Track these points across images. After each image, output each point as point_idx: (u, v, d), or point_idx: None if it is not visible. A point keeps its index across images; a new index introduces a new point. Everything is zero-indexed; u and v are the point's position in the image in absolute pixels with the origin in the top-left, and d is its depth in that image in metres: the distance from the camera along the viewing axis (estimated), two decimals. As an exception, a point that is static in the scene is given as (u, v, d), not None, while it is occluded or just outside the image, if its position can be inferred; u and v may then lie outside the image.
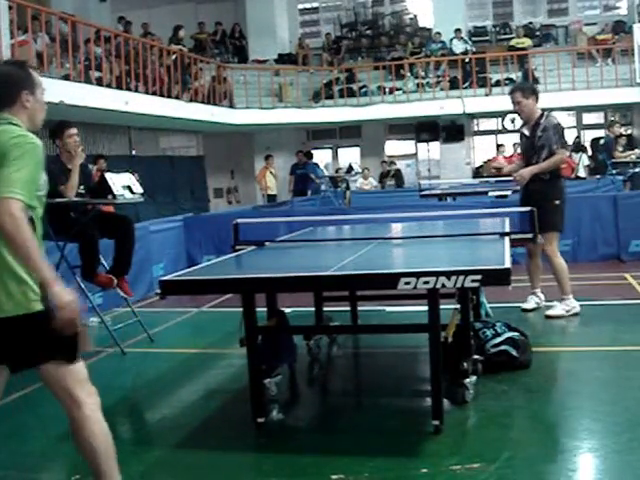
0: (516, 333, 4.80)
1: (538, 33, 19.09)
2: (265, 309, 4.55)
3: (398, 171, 18.03)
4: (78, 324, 2.57)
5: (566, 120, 19.25)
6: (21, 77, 2.78)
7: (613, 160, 12.64)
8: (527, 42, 18.01)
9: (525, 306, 6.35)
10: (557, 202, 5.92)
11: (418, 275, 3.30)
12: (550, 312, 6.16)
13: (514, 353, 4.67)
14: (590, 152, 15.91)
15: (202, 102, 15.53)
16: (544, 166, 5.99)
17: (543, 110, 6.12)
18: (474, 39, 19.12)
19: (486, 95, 16.95)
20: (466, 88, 17.07)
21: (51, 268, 2.51)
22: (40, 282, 2.53)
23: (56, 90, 10.52)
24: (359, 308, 5.88)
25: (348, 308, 5.81)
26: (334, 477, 3.25)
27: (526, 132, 6.14)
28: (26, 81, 2.78)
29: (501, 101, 16.70)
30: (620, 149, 13.06)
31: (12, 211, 2.42)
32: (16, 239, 2.43)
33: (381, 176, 17.99)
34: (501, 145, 17.10)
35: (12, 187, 2.45)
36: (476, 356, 4.50)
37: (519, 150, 6.95)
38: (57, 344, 2.57)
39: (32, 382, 4.99)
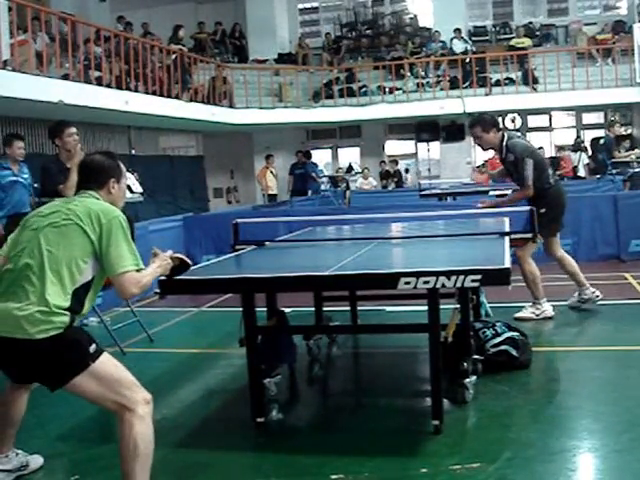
0: (516, 333, 4.79)
1: (538, 33, 19.09)
2: (265, 309, 4.55)
3: (399, 172, 18.05)
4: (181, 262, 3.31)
5: (566, 120, 19.28)
6: (112, 167, 3.24)
7: (613, 160, 12.63)
8: (527, 42, 18.01)
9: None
10: (542, 211, 5.84)
11: (418, 275, 3.30)
12: (519, 314, 6.08)
13: (514, 353, 4.67)
14: (590, 152, 15.90)
15: (202, 102, 15.53)
16: (506, 201, 6.35)
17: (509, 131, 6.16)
18: (474, 39, 19.11)
19: (486, 95, 16.95)
20: (466, 88, 17.06)
21: (150, 271, 3.07)
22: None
23: (55, 90, 10.53)
24: (359, 308, 5.88)
25: (348, 308, 5.81)
26: (334, 477, 3.25)
27: (511, 158, 6.07)
28: (115, 171, 3.24)
29: (501, 101, 16.78)
30: (623, 151, 13.06)
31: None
32: (140, 292, 3.02)
33: (381, 176, 17.99)
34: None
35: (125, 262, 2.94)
36: (476, 356, 4.50)
37: None
38: (67, 363, 2.85)
39: (32, 382, 4.99)
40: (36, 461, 3.49)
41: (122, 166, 3.31)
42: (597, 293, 6.33)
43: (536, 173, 5.98)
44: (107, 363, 2.92)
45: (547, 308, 6.11)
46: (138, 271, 2.95)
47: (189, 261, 3.43)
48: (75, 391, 2.90)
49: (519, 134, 6.75)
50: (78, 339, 2.88)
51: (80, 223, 2.93)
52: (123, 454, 2.85)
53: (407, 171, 18.92)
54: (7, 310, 2.82)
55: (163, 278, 3.75)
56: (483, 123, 6.06)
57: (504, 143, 6.04)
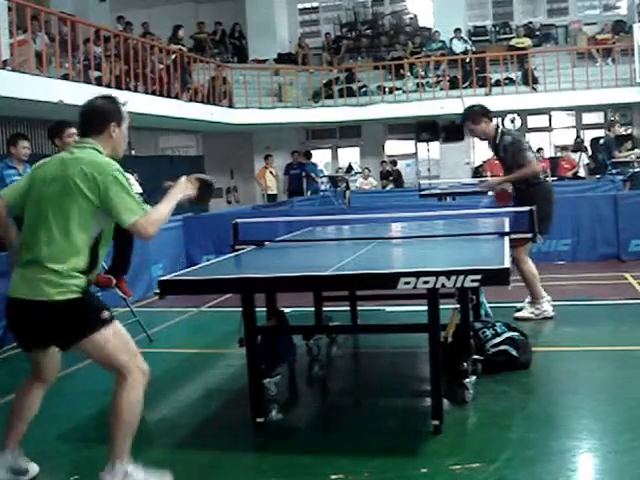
0: (516, 333, 4.79)
1: (538, 33, 19.08)
2: (265, 309, 4.54)
3: (398, 172, 18.05)
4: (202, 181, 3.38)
5: (566, 120, 19.28)
6: (111, 110, 3.27)
7: (613, 160, 12.64)
8: (527, 42, 18.00)
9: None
10: (533, 208, 5.82)
11: (418, 275, 3.30)
12: (519, 314, 6.09)
13: (514, 353, 4.67)
14: (590, 152, 15.90)
15: (201, 102, 15.52)
16: (512, 178, 6.07)
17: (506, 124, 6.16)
18: (474, 39, 19.10)
19: (486, 95, 16.92)
20: (466, 88, 17.06)
21: (164, 203, 3.24)
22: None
23: (55, 90, 10.53)
24: (359, 308, 5.88)
25: (348, 308, 5.81)
26: (334, 477, 3.25)
27: (490, 150, 6.22)
28: (115, 114, 3.27)
29: (501, 101, 16.74)
30: (624, 151, 13.05)
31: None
32: (159, 227, 3.13)
33: (382, 176, 18.00)
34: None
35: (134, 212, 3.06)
36: (476, 356, 4.50)
37: None
38: (81, 324, 3.03)
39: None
40: (33, 469, 3.44)
41: (123, 109, 3.34)
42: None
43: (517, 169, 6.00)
44: (116, 330, 3.13)
45: (547, 308, 6.10)
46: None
47: (209, 178, 3.48)
48: (82, 349, 3.10)
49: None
50: (93, 304, 3.08)
51: (80, 187, 3.02)
52: (110, 417, 3.05)
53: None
54: (25, 274, 3.04)
55: (164, 278, 3.76)
56: (472, 116, 6.09)
57: (498, 139, 6.06)
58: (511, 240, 4.72)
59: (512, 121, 18.68)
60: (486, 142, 6.32)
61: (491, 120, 6.13)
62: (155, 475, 3.20)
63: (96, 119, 3.24)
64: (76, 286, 3.00)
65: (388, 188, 17.33)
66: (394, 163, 18.39)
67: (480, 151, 18.50)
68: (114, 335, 3.11)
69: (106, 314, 3.10)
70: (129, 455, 3.07)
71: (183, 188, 3.31)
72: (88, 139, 3.21)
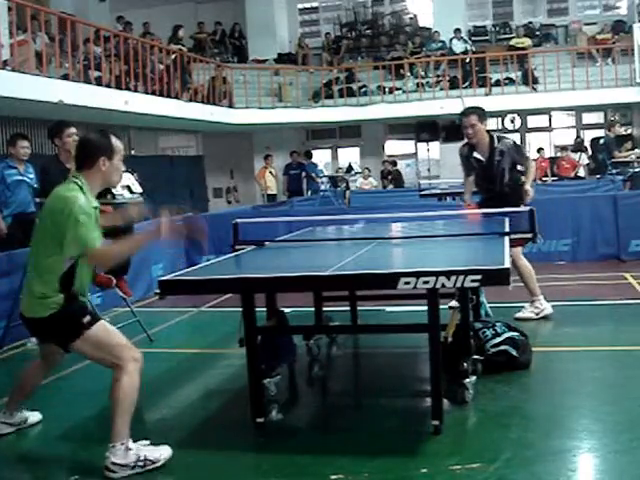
0: (516, 333, 4.79)
1: (538, 33, 19.08)
2: (265, 309, 4.54)
3: (398, 172, 18.06)
4: (184, 228, 3.62)
5: (566, 120, 19.28)
6: (102, 145, 3.53)
7: (613, 160, 12.64)
8: (527, 42, 18.00)
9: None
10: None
11: (418, 275, 3.30)
12: (519, 314, 6.07)
13: (514, 353, 4.67)
14: (590, 152, 15.90)
15: (201, 102, 15.52)
16: (531, 178, 6.12)
17: (499, 129, 6.14)
18: (474, 39, 19.11)
19: (486, 95, 16.94)
20: (466, 88, 17.06)
21: (133, 239, 3.70)
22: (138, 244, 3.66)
23: (55, 90, 10.53)
24: (359, 308, 5.88)
25: (348, 308, 5.81)
26: (334, 477, 3.25)
27: (480, 157, 6.10)
28: (106, 148, 3.53)
29: (501, 101, 16.76)
30: (624, 152, 13.05)
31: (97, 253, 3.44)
32: (114, 259, 3.63)
33: (382, 176, 18.01)
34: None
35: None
36: (476, 356, 4.49)
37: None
38: (65, 332, 3.47)
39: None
40: (35, 416, 4.11)
41: (116, 143, 3.58)
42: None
43: (512, 174, 6.04)
44: (100, 330, 3.48)
45: (546, 306, 6.11)
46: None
47: (197, 223, 3.72)
48: (77, 352, 3.54)
49: None
50: (72, 314, 3.45)
51: (48, 224, 3.44)
52: (110, 403, 3.40)
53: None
54: (25, 298, 3.60)
55: (164, 278, 3.76)
56: (480, 112, 6.06)
57: (495, 144, 6.05)
58: (514, 240, 4.73)
59: (512, 121, 18.70)
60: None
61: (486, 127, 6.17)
62: (154, 448, 3.49)
63: (87, 154, 3.52)
64: (55, 303, 3.43)
65: (388, 188, 17.34)
66: (394, 163, 18.39)
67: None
68: (100, 334, 3.46)
69: (86, 319, 3.45)
70: (128, 434, 3.39)
71: (158, 234, 3.49)
72: (78, 174, 3.52)
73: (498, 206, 5.72)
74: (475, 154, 6.12)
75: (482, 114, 6.06)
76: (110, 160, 3.52)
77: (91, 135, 3.63)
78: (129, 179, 6.01)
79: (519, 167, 6.10)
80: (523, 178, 6.15)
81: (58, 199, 3.44)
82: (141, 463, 3.36)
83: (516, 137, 18.68)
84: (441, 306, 3.64)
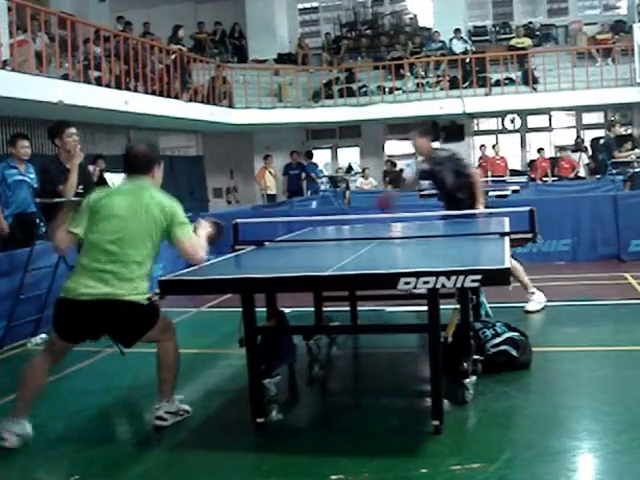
0: (516, 333, 4.79)
1: (538, 33, 19.08)
2: (265, 309, 4.54)
3: (396, 173, 18.07)
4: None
5: (566, 120, 19.28)
6: (155, 154, 4.15)
7: (613, 160, 12.64)
8: (527, 42, 18.00)
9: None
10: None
11: (418, 275, 3.29)
12: (529, 307, 6.32)
13: (514, 353, 4.67)
14: (590, 152, 15.90)
15: (201, 102, 15.52)
16: (480, 195, 6.38)
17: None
18: (474, 39, 19.10)
19: (486, 95, 16.95)
20: (466, 88, 17.06)
21: (200, 232, 4.11)
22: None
23: (55, 90, 10.53)
24: (359, 308, 5.88)
25: (348, 308, 5.80)
26: (334, 477, 3.25)
27: (426, 167, 6.61)
28: (159, 158, 4.13)
29: (501, 101, 16.78)
30: (624, 152, 13.05)
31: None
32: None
33: (384, 175, 18.04)
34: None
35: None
36: (476, 356, 4.49)
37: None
38: (150, 320, 3.88)
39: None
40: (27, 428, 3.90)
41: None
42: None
43: (459, 180, 6.39)
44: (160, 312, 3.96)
45: (540, 294, 6.38)
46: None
47: (220, 221, 4.25)
48: (145, 340, 3.94)
49: None
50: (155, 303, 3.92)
51: (144, 219, 3.85)
52: (158, 366, 3.97)
53: (401, 171, 18.88)
54: (111, 282, 3.77)
55: (164, 278, 3.77)
56: (422, 129, 6.71)
57: (432, 154, 6.58)
58: (514, 240, 4.73)
59: (512, 121, 18.70)
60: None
61: (434, 141, 6.86)
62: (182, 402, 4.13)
63: (144, 163, 4.04)
64: (144, 291, 3.88)
65: (388, 188, 17.33)
66: (392, 164, 18.41)
67: (480, 151, 18.52)
68: (161, 316, 3.96)
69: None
70: (174, 391, 4.04)
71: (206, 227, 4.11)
72: (141, 177, 4.01)
73: (452, 208, 6.25)
74: (423, 165, 6.73)
75: (423, 130, 6.67)
76: (159, 169, 4.09)
77: (142, 146, 4.15)
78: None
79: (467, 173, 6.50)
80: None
81: (154, 196, 3.90)
82: (181, 412, 4.05)
83: (516, 137, 18.74)
84: (441, 306, 3.64)
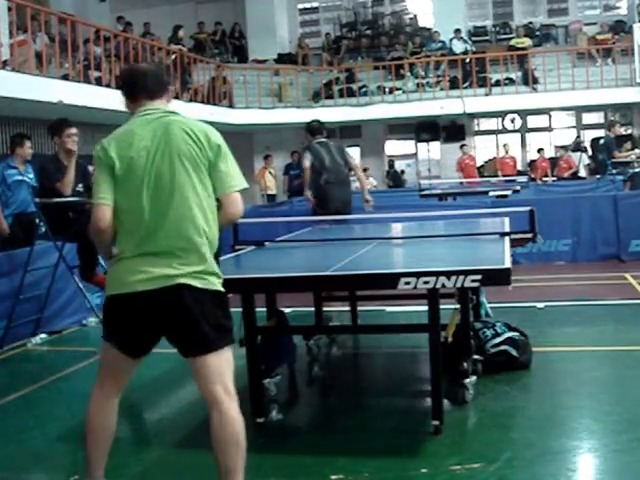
0: (516, 333, 4.79)
1: (538, 33, 19.08)
2: (265, 309, 4.54)
3: (395, 173, 18.09)
4: None
5: (566, 120, 19.28)
6: (167, 76, 3.16)
7: (613, 160, 12.63)
8: (527, 42, 18.00)
9: None
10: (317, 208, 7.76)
11: (418, 275, 3.29)
12: None
13: (514, 353, 4.67)
14: (590, 152, 15.88)
15: (201, 102, 15.52)
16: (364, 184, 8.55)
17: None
18: (474, 39, 19.10)
19: (486, 95, 16.95)
20: (466, 88, 17.06)
21: None
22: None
23: (55, 90, 10.52)
24: (359, 308, 5.88)
25: (348, 308, 5.80)
26: (334, 477, 3.25)
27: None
28: (169, 80, 3.18)
29: (501, 101, 16.77)
30: (624, 152, 13.04)
31: None
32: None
33: (387, 175, 18.07)
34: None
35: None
36: (476, 356, 4.49)
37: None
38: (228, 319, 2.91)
39: (30, 383, 5.00)
40: None
41: None
42: None
43: (313, 175, 7.56)
44: None
45: None
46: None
47: None
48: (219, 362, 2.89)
49: (327, 141, 8.03)
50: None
51: (200, 155, 2.91)
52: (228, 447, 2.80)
53: (402, 172, 18.89)
54: (183, 260, 2.78)
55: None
56: (306, 128, 7.91)
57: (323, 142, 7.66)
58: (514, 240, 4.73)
59: (512, 121, 18.69)
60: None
61: (314, 136, 7.80)
62: None
63: (163, 81, 3.07)
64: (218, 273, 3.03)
65: (385, 188, 17.39)
66: (391, 165, 18.42)
67: (481, 151, 18.53)
68: None
69: None
70: None
71: None
72: (162, 103, 3.04)
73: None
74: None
75: (308, 129, 7.91)
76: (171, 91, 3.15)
77: (157, 66, 3.32)
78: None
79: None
80: (322, 183, 7.67)
81: (201, 125, 2.97)
82: None
83: (516, 137, 18.73)
84: (441, 306, 3.64)
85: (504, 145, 17.01)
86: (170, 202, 2.75)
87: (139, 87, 3.00)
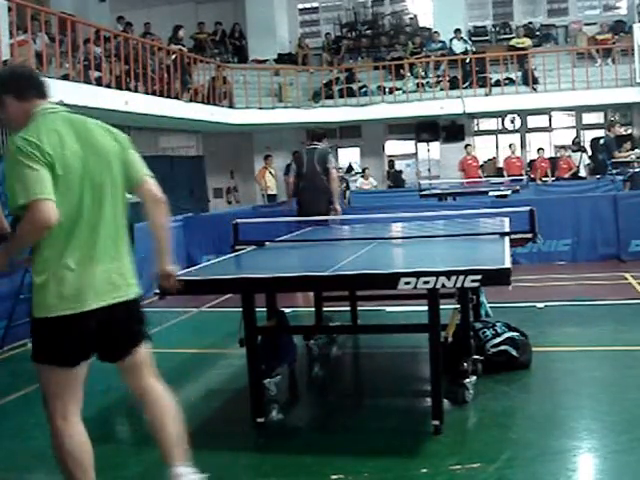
0: (516, 333, 4.80)
1: (538, 33, 19.07)
2: (265, 309, 4.54)
3: (395, 174, 18.10)
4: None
5: (566, 120, 19.28)
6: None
7: (613, 160, 12.64)
8: (527, 42, 17.99)
9: None
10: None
11: (418, 275, 3.30)
12: None
13: (514, 353, 4.67)
14: (590, 152, 15.89)
15: (202, 102, 15.52)
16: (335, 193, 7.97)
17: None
18: (474, 39, 19.09)
19: (486, 95, 16.94)
20: (466, 88, 17.05)
21: None
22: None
23: (55, 90, 10.50)
24: (359, 308, 5.88)
25: (348, 308, 5.81)
26: (334, 477, 3.25)
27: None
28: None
29: (501, 101, 16.76)
30: (624, 152, 13.06)
31: None
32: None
33: (387, 176, 18.08)
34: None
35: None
36: (476, 356, 4.50)
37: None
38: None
39: (31, 383, 4.99)
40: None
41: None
42: None
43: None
44: None
45: None
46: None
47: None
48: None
49: (317, 147, 8.06)
50: None
51: (118, 165, 2.90)
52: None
53: (400, 172, 18.90)
54: (127, 275, 2.82)
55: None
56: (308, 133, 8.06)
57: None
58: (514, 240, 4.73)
59: (512, 121, 18.69)
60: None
61: (311, 141, 8.13)
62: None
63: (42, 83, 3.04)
64: None
65: (385, 188, 17.39)
66: (391, 165, 18.41)
67: (481, 151, 18.52)
68: None
69: None
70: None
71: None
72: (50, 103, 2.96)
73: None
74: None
75: (307, 133, 7.89)
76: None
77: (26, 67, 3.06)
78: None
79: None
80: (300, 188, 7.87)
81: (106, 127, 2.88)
82: None
83: (516, 137, 18.73)
84: (441, 306, 3.65)
85: (510, 145, 17.02)
86: (106, 207, 2.73)
87: (30, 86, 2.95)
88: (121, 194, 2.82)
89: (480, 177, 15.67)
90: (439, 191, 12.32)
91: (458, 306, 4.53)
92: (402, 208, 8.50)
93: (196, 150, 18.59)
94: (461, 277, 3.24)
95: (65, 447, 2.84)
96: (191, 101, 14.96)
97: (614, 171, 12.52)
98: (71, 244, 2.65)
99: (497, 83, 17.06)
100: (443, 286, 3.29)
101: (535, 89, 16.91)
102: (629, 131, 17.55)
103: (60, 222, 2.61)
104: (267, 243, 5.19)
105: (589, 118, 19.01)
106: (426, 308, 3.63)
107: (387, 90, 17.65)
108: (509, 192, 10.87)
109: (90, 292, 2.64)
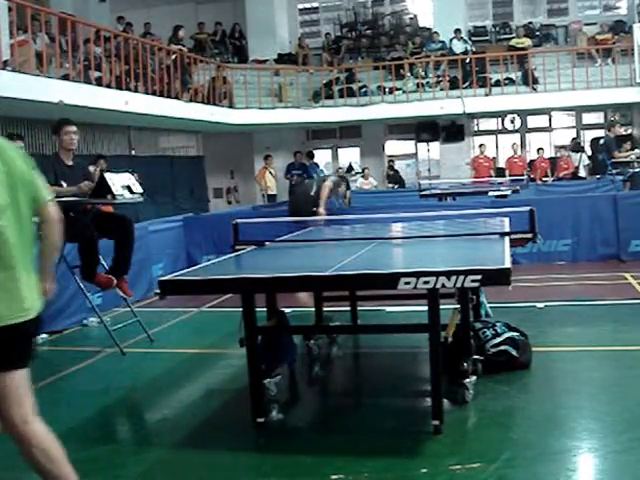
0: (516, 333, 4.80)
1: (538, 33, 19.07)
2: (265, 309, 4.54)
3: (395, 175, 18.11)
4: None
5: (566, 120, 19.28)
6: None
7: (613, 160, 12.63)
8: (527, 42, 17.99)
9: None
10: None
11: (418, 275, 3.30)
12: None
13: (514, 353, 4.67)
14: (590, 152, 15.88)
15: (202, 102, 15.52)
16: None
17: None
18: (474, 39, 19.09)
19: (486, 95, 16.94)
20: (466, 88, 17.05)
21: None
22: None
23: (55, 90, 10.52)
24: (359, 308, 5.88)
25: (348, 308, 5.81)
26: (334, 477, 3.25)
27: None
28: None
29: (501, 101, 16.76)
30: (624, 152, 13.05)
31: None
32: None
33: (387, 176, 18.08)
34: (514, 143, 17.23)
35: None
36: (476, 356, 4.50)
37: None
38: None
39: (31, 382, 4.99)
40: None
41: None
42: None
43: None
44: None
45: None
46: None
47: None
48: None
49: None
50: None
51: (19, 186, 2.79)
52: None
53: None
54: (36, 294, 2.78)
55: (164, 278, 3.76)
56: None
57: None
58: (514, 240, 4.73)
59: (512, 121, 18.69)
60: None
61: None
62: None
63: None
64: None
65: (385, 188, 17.38)
66: (390, 166, 18.42)
67: (480, 152, 18.51)
68: None
69: None
70: None
71: None
72: None
73: None
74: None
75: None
76: None
77: None
78: (129, 179, 6.00)
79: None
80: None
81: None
82: None
83: (516, 137, 18.73)
84: (441, 306, 3.65)
85: (513, 145, 17.04)
86: (23, 225, 2.72)
87: None
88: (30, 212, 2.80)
89: (491, 177, 15.71)
90: (439, 191, 12.33)
91: (458, 306, 4.53)
92: (402, 208, 8.51)
93: (196, 150, 18.59)
94: (461, 277, 3.24)
95: (35, 448, 2.86)
96: (191, 101, 14.96)
97: (614, 171, 12.51)
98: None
99: (497, 83, 17.06)
100: (443, 286, 3.29)
101: (535, 89, 16.91)
102: (629, 131, 17.55)
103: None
104: (267, 243, 5.19)
105: (589, 118, 19.01)
106: (426, 308, 3.63)
107: (387, 90, 17.65)
108: (509, 192, 10.87)
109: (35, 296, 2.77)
